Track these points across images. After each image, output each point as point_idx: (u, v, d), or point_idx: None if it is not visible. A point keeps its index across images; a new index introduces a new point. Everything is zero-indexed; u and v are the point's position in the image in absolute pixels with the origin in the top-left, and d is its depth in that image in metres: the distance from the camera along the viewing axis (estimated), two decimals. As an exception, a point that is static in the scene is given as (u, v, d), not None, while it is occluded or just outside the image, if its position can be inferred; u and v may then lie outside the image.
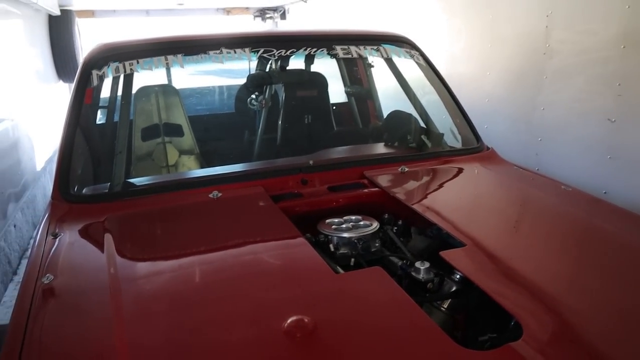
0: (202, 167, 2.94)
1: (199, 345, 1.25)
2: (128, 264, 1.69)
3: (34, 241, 1.96)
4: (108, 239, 1.82)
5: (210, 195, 2.15)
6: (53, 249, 1.83)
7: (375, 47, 2.92)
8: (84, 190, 2.29)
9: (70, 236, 1.93)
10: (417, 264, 1.68)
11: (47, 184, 4.38)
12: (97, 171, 2.56)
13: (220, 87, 4.42)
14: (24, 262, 3.23)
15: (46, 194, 4.32)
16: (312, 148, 2.70)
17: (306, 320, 1.32)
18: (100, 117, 3.07)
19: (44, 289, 1.58)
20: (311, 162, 2.46)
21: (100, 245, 1.79)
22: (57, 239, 1.89)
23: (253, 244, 1.83)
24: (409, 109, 3.04)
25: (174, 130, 3.18)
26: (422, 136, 2.86)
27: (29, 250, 3.34)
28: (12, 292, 2.87)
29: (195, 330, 1.32)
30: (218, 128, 3.52)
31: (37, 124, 4.32)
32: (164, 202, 2.15)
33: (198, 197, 2.16)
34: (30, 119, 4.04)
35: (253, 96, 3.31)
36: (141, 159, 2.96)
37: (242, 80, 3.66)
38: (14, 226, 3.24)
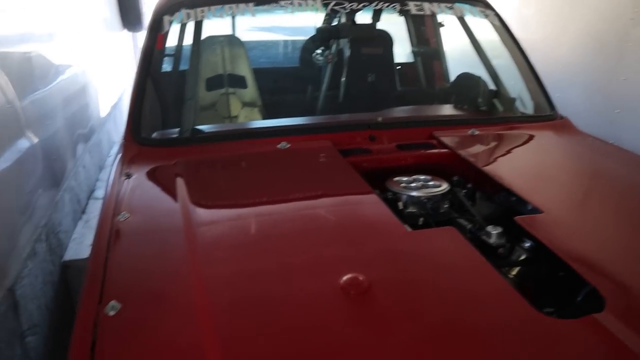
0: (264, 119, 2.96)
1: (256, 293, 1.27)
2: (199, 207, 1.72)
3: (108, 181, 2.02)
4: (179, 182, 1.86)
5: (279, 146, 2.17)
6: (127, 188, 1.89)
7: (449, 5, 2.81)
8: (153, 135, 2.34)
9: (142, 177, 1.98)
10: (489, 228, 1.65)
11: (112, 130, 4.51)
12: (167, 116, 2.61)
13: (285, 41, 4.39)
14: (91, 202, 3.36)
15: (110, 139, 4.45)
16: (379, 105, 2.66)
17: (378, 276, 1.31)
18: (169, 64, 3.11)
19: (120, 226, 1.63)
20: (380, 119, 2.43)
21: (171, 187, 1.83)
22: (130, 179, 1.94)
23: (324, 197, 1.84)
24: (479, 71, 2.93)
25: (238, 82, 3.19)
26: (494, 100, 2.76)
27: (96, 191, 3.46)
28: (81, 229, 2.99)
29: (257, 278, 1.33)
30: (281, 81, 3.52)
31: (103, 72, 4.41)
32: (232, 150, 2.19)
33: (266, 147, 2.18)
34: (96, 67, 4.13)
35: (319, 51, 3.28)
36: (204, 108, 3.00)
37: (305, 37, 3.63)
38: (83, 167, 3.36)
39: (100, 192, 3.52)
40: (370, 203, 1.72)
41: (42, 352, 2.24)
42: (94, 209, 3.26)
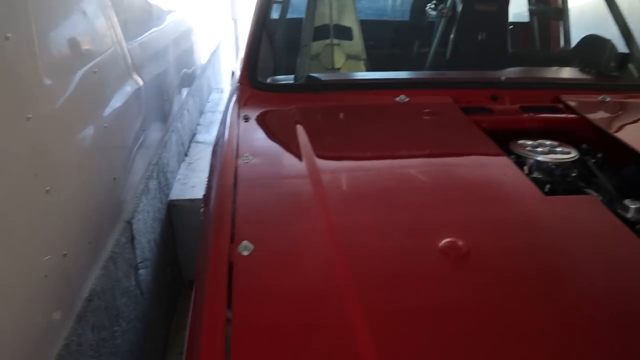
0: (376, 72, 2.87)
1: (385, 245, 1.25)
2: (321, 154, 1.69)
3: (225, 122, 2.02)
4: (299, 128, 1.83)
5: (397, 99, 2.10)
6: (246, 131, 1.88)
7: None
8: (268, 80, 2.32)
9: (261, 121, 1.98)
10: (627, 202, 1.51)
11: (211, 76, 4.57)
12: (281, 62, 2.58)
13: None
14: (193, 145, 3.43)
15: (210, 85, 4.51)
16: (500, 65, 2.50)
17: (517, 242, 1.24)
18: (276, 11, 3.06)
19: (244, 168, 1.62)
20: (503, 78, 2.29)
21: (292, 133, 1.81)
22: (249, 122, 1.94)
23: (449, 155, 1.76)
24: (608, 33, 2.68)
25: (344, 33, 3.10)
26: (629, 65, 2.52)
27: (197, 135, 3.53)
28: (184, 171, 3.06)
29: (385, 230, 1.31)
30: (390, 35, 3.40)
31: (203, 20, 4.44)
32: (348, 100, 2.14)
33: (384, 100, 2.11)
34: (196, 14, 4.15)
35: (432, 5, 3.13)
36: (311, 58, 2.95)
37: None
38: (187, 110, 3.42)
39: (201, 137, 3.59)
40: (500, 165, 1.63)
41: (150, 286, 2.33)
42: (196, 152, 3.34)
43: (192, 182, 2.95)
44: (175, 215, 2.81)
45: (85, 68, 1.74)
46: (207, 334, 1.08)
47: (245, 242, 1.28)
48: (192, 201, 2.78)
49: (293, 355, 1.00)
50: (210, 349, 1.05)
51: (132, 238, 2.10)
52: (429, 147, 1.79)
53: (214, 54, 4.92)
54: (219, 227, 1.37)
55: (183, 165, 3.14)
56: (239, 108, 2.08)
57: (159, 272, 2.51)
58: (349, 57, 3.11)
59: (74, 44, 1.69)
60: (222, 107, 4.23)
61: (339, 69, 3.05)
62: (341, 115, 2.04)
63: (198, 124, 3.78)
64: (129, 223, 2.07)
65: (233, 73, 4.99)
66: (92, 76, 1.80)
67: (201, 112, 4.01)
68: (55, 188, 1.43)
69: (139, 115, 2.33)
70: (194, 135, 3.58)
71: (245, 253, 1.25)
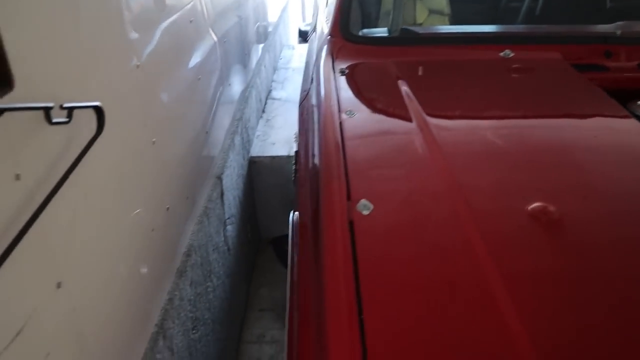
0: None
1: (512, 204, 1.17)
2: (428, 111, 1.57)
3: (317, 77, 1.93)
4: (401, 83, 1.72)
5: (501, 54, 1.94)
6: (343, 85, 1.79)
7: None
8: (360, 32, 2.19)
9: (358, 75, 1.88)
10: None
11: (282, 32, 4.46)
12: (370, 12, 2.45)
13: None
14: (269, 102, 3.36)
15: (281, 41, 4.41)
16: (611, 18, 2.27)
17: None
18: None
19: (348, 123, 1.54)
20: (618, 32, 2.07)
21: (394, 88, 1.71)
22: (346, 76, 1.84)
23: (566, 114, 1.62)
24: None
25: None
26: None
27: (272, 91, 3.46)
28: (263, 127, 3.01)
29: (508, 189, 1.25)
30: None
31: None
32: (445, 54, 1.99)
33: (486, 54, 1.96)
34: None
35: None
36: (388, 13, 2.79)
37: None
38: (264, 66, 3.35)
39: (276, 93, 3.52)
40: (629, 126, 1.47)
41: (235, 243, 2.31)
42: (273, 109, 3.27)
43: (272, 139, 2.89)
44: (255, 172, 2.76)
45: (172, 19, 1.67)
46: (334, 293, 1.02)
47: (364, 201, 1.21)
48: (273, 158, 2.73)
49: (432, 315, 0.95)
50: (340, 308, 0.99)
51: (222, 193, 2.06)
52: (543, 105, 1.65)
53: (284, 9, 4.79)
54: (333, 184, 1.29)
55: (261, 122, 3.09)
56: (333, 61, 1.98)
57: (241, 229, 2.49)
58: (432, 11, 2.93)
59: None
60: (294, 64, 4.14)
61: (420, 24, 2.88)
62: (443, 71, 1.91)
63: (272, 81, 3.70)
64: (219, 178, 2.03)
65: (300, 31, 4.85)
66: (185, 26, 1.73)
67: (274, 69, 3.92)
68: (159, 140, 1.39)
69: (217, 70, 2.26)
70: (269, 91, 3.51)
71: (366, 212, 1.18)
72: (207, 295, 1.83)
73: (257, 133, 2.95)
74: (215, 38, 2.20)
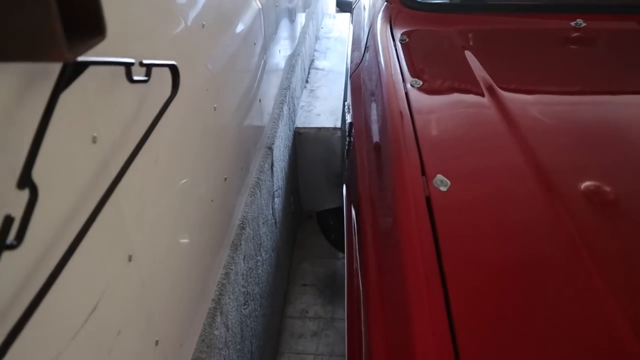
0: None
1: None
2: (499, 82, 1.47)
3: (375, 45, 1.82)
4: (468, 53, 1.63)
5: (572, 24, 1.81)
6: (405, 53, 1.69)
7: None
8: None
9: (420, 43, 1.78)
10: None
11: (322, 2, 4.32)
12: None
13: None
14: (312, 72, 3.26)
15: (324, 11, 4.27)
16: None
17: None
18: None
19: (415, 93, 1.45)
20: None
21: (460, 56, 1.61)
22: (406, 44, 1.74)
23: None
24: None
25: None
26: None
27: (315, 61, 3.35)
28: (307, 98, 2.92)
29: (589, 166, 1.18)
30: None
31: None
32: (513, 22, 1.87)
33: (555, 24, 1.84)
34: None
35: None
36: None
37: None
38: (308, 35, 3.23)
39: (319, 63, 3.41)
40: None
41: (280, 216, 2.25)
42: (316, 79, 3.16)
43: (317, 110, 2.79)
44: (300, 144, 2.68)
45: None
46: (415, 273, 0.95)
47: (440, 176, 1.13)
48: (319, 130, 2.64)
49: (524, 296, 0.90)
50: (423, 291, 0.92)
51: (272, 164, 1.99)
52: (619, 79, 1.55)
53: (325, -25, 4.64)
54: (404, 158, 1.21)
55: (305, 92, 2.99)
56: (391, 28, 1.87)
57: (286, 201, 2.42)
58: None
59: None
60: (335, 34, 4.01)
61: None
62: (512, 40, 1.80)
63: (315, 50, 3.59)
64: (270, 149, 1.96)
65: (338, 1, 4.66)
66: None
67: (317, 38, 3.80)
68: (219, 106, 1.31)
69: (265, 36, 2.17)
70: (312, 61, 3.40)
71: (443, 189, 1.10)
72: (256, 269, 1.77)
73: (302, 103, 2.86)
74: (259, 4, 2.11)
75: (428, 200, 1.07)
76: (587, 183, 1.11)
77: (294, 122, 2.63)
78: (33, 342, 0.56)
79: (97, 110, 0.69)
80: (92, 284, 0.70)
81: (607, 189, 1.10)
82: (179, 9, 1.03)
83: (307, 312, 2.43)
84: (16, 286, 0.53)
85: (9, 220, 0.47)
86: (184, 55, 1.04)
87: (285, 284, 2.52)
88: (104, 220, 0.69)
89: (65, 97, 0.55)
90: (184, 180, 1.08)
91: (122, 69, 0.70)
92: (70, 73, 0.54)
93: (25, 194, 0.50)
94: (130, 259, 0.81)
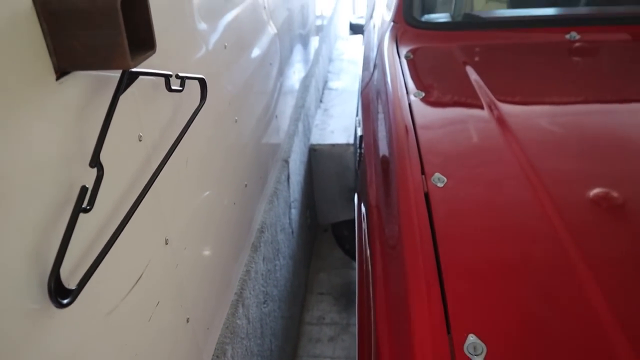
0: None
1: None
2: (496, 93, 1.60)
3: (381, 62, 1.97)
4: (467, 66, 1.76)
5: (567, 37, 1.93)
6: (409, 68, 1.83)
7: None
8: (423, 18, 2.23)
9: (424, 59, 1.92)
10: None
11: (335, 26, 4.51)
12: (434, 2, 2.47)
13: None
14: (326, 92, 3.42)
15: (336, 33, 4.46)
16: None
17: None
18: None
19: (418, 104, 1.58)
20: None
21: (460, 70, 1.75)
22: (411, 60, 1.88)
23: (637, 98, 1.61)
24: None
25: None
26: None
27: (329, 82, 3.52)
28: (321, 116, 3.07)
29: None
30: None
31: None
32: (509, 38, 2.01)
33: (551, 37, 1.96)
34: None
35: None
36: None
37: None
38: (321, 56, 3.41)
39: (332, 84, 3.58)
40: None
41: (297, 227, 2.39)
42: (330, 99, 3.33)
43: (331, 128, 2.95)
44: (315, 160, 2.83)
45: (246, 5, 1.75)
46: (412, 256, 1.07)
47: (437, 174, 1.26)
48: (333, 146, 2.79)
49: (515, 290, 0.98)
50: (421, 273, 1.03)
51: (289, 176, 2.14)
52: (612, 87, 1.66)
53: (337, 1, 4.84)
54: (406, 160, 1.34)
55: (319, 112, 3.15)
56: (397, 46, 2.02)
57: (302, 214, 2.56)
58: (490, -1, 2.92)
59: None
60: (348, 56, 4.19)
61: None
62: (509, 54, 1.93)
63: (328, 72, 3.76)
64: (287, 162, 2.11)
65: (351, 24, 4.86)
66: (256, 14, 1.81)
67: (330, 60, 3.98)
68: (240, 119, 1.46)
69: (281, 58, 2.34)
70: (325, 82, 3.57)
71: (440, 185, 1.23)
72: (275, 272, 1.91)
73: (316, 122, 3.02)
74: (276, 30, 2.28)
75: (427, 195, 1.20)
76: (574, 182, 1.22)
77: (309, 139, 2.79)
78: (100, 287, 0.71)
79: (142, 115, 0.84)
80: (138, 256, 0.85)
81: (594, 189, 1.20)
82: (205, 32, 1.19)
83: (323, 318, 2.55)
84: (88, 242, 0.67)
85: (84, 189, 0.62)
86: (209, 72, 1.20)
87: (303, 292, 2.65)
88: (147, 204, 0.84)
89: (120, 102, 0.70)
90: (210, 182, 1.23)
91: (161, 82, 0.85)
92: (127, 80, 0.69)
93: (94, 172, 0.64)
94: (166, 242, 0.96)
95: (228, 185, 1.38)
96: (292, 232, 2.28)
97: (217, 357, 1.26)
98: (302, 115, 2.53)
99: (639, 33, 1.94)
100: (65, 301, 0.60)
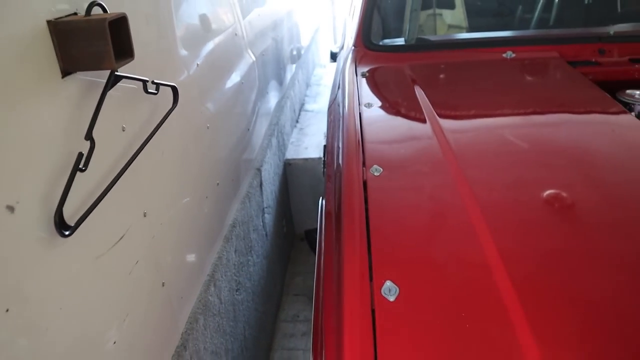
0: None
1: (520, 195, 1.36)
2: (437, 104, 1.86)
3: (342, 80, 2.25)
4: (414, 83, 2.03)
5: (504, 55, 2.23)
6: (364, 85, 2.11)
7: None
8: (380, 42, 2.52)
9: (377, 76, 2.20)
10: None
11: (315, 52, 4.82)
12: (390, 26, 2.77)
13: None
14: (303, 113, 3.70)
15: (314, 60, 4.76)
16: (606, 20, 2.53)
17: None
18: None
19: (367, 113, 1.85)
20: (612, 32, 2.34)
21: (406, 85, 2.02)
22: (367, 78, 2.16)
23: (561, 105, 1.87)
24: None
25: (446, 2, 3.21)
26: None
27: (305, 104, 3.80)
28: (297, 135, 3.34)
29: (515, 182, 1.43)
30: (492, 4, 3.46)
31: (305, 5, 4.67)
32: (455, 57, 2.29)
33: (491, 56, 2.25)
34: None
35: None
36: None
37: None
38: (297, 81, 3.70)
39: (309, 106, 3.86)
40: (615, 112, 1.72)
41: (272, 231, 2.63)
42: (306, 120, 3.61)
43: (305, 145, 3.22)
44: (290, 173, 3.09)
45: (222, 35, 2.03)
46: (349, 225, 1.30)
47: (375, 166, 1.51)
48: (306, 160, 3.05)
49: (425, 249, 1.21)
50: (355, 236, 1.26)
51: (261, 183, 2.39)
52: (540, 99, 1.92)
53: (316, 31, 5.17)
54: (352, 153, 1.60)
55: (295, 130, 3.42)
56: (355, 67, 2.30)
57: (278, 222, 2.80)
58: (451, 26, 3.23)
59: (205, 21, 1.98)
60: (325, 81, 4.49)
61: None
62: (451, 71, 2.22)
63: (305, 95, 4.05)
64: (259, 170, 2.36)
65: (331, 52, 5.16)
66: (230, 41, 2.09)
67: (307, 85, 4.28)
68: (212, 126, 1.72)
69: (256, 79, 2.62)
70: (302, 105, 3.85)
71: (377, 174, 1.48)
72: (248, 267, 2.14)
73: (292, 139, 3.29)
74: (253, 56, 2.57)
75: (365, 182, 1.45)
76: (489, 168, 1.46)
77: (284, 154, 3.05)
78: (91, 236, 0.95)
79: (125, 112, 1.10)
80: (121, 219, 1.09)
81: (502, 172, 1.43)
82: (182, 53, 1.46)
83: (298, 316, 2.77)
84: (84, 194, 0.92)
85: (80, 155, 0.87)
86: (182, 82, 1.46)
87: (279, 294, 2.87)
88: (129, 180, 1.09)
89: (108, 100, 0.95)
90: (183, 175, 1.48)
91: (141, 85, 1.11)
92: (113, 80, 0.95)
93: (88, 144, 0.90)
94: (145, 214, 1.20)
95: (201, 180, 1.63)
96: (267, 235, 2.52)
97: (191, 324, 1.49)
98: (275, 131, 2.80)
99: (566, 51, 2.24)
100: (66, 232, 0.85)
